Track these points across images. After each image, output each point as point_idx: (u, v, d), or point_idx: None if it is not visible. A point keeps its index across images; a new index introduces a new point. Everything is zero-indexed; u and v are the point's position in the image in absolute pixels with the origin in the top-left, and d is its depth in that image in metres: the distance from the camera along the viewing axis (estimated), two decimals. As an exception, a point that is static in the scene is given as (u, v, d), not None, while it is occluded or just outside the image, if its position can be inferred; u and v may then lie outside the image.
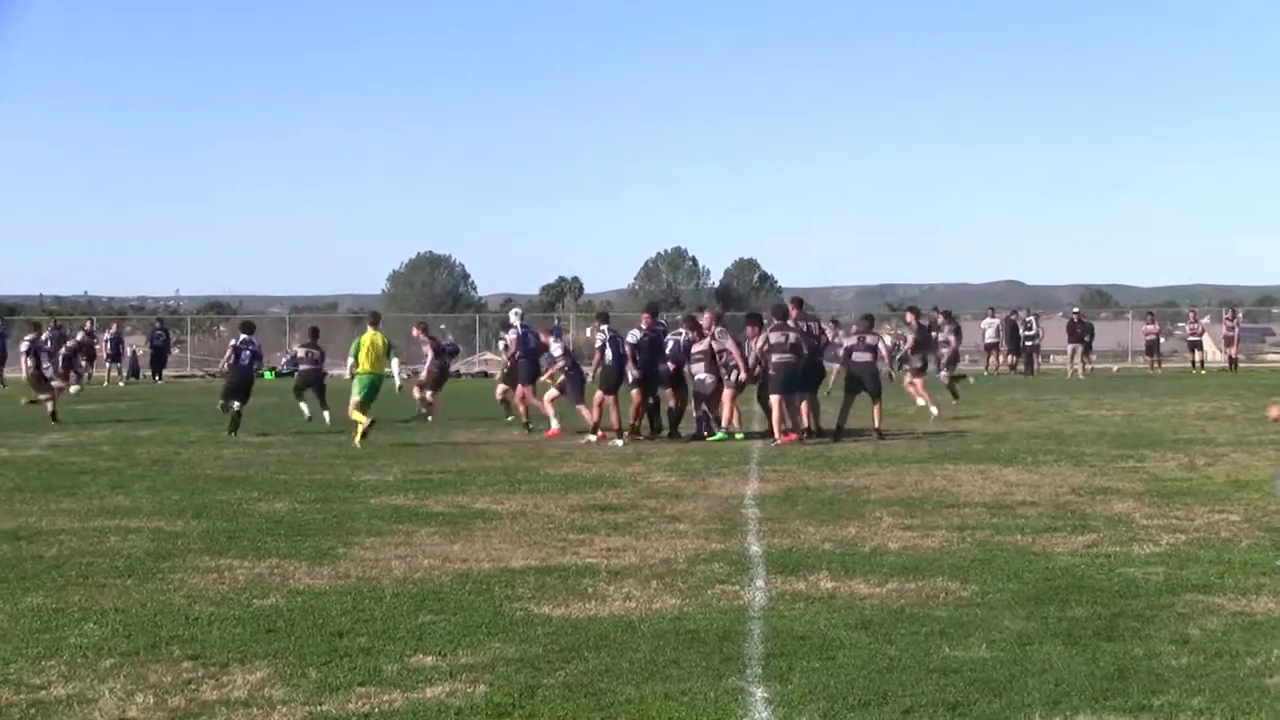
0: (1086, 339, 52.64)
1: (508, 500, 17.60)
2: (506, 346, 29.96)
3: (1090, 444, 23.87)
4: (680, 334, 26.47)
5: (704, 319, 27.54)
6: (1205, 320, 63.63)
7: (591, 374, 27.34)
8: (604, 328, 27.26)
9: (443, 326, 69.81)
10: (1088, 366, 51.88)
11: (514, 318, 30.90)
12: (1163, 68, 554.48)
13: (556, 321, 26.14)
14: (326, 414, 30.13)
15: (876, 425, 25.97)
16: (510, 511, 16.62)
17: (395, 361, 27.42)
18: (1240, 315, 66.04)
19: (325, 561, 13.35)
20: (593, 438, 25.15)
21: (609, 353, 26.03)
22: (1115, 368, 58.24)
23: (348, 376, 27.06)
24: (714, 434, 25.43)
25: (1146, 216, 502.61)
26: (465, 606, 11.27)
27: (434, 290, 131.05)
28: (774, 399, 25.07)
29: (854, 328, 28.02)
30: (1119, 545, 13.88)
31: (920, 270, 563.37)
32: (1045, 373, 52.30)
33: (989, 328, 54.20)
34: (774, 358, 25.05)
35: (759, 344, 25.55)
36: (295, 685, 8.96)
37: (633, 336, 26.04)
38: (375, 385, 26.22)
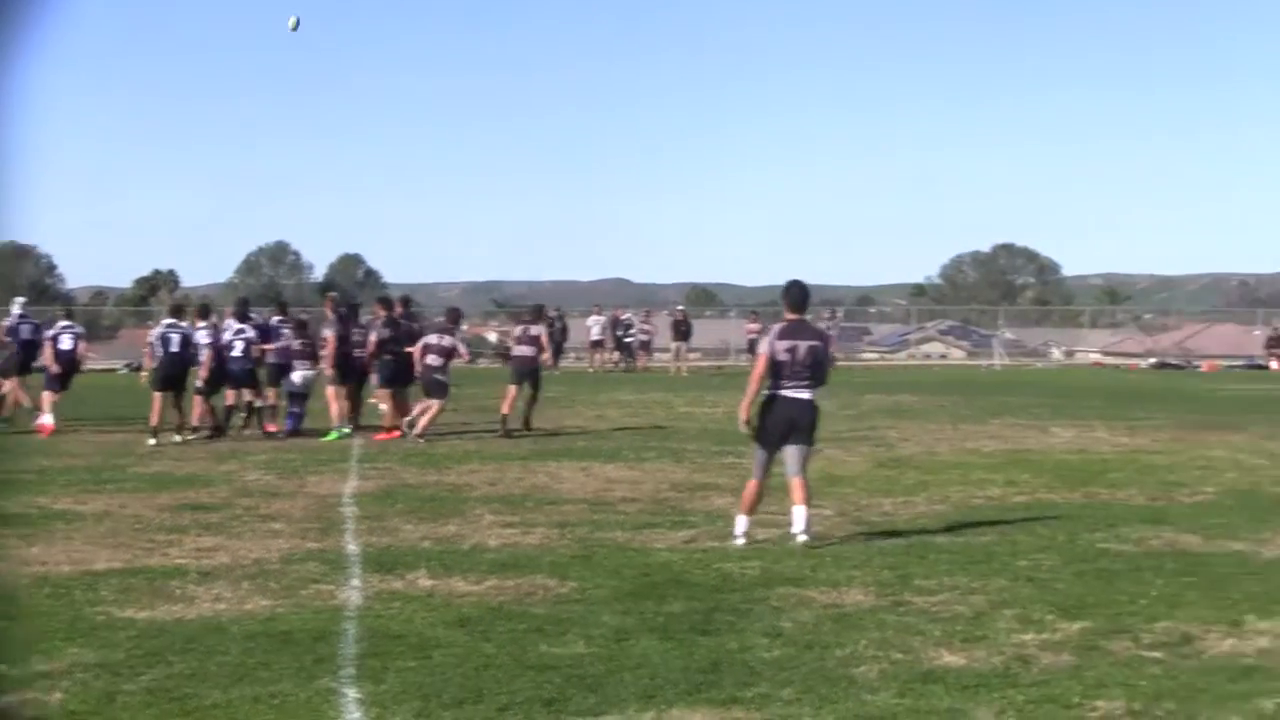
0: (689, 336, 53.73)
1: (92, 500, 16.88)
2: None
3: (692, 441, 24.19)
4: (245, 331, 25.66)
5: (326, 303, 27.42)
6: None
7: (146, 370, 26.43)
8: (165, 322, 25.82)
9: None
10: (687, 363, 52.89)
11: (15, 306, 29.50)
12: (751, 69, 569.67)
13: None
14: None
15: (525, 419, 25.96)
16: (95, 512, 15.95)
17: None
18: (840, 314, 68.03)
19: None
20: (175, 436, 24.12)
21: (159, 349, 24.94)
22: (718, 365, 59.39)
23: None
24: (329, 434, 24.83)
25: (751, 216, 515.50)
26: (42, 611, 10.72)
27: (17, 282, 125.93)
28: (383, 393, 24.97)
29: (522, 319, 27.79)
30: (717, 540, 14.03)
31: (528, 267, 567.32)
32: (649, 370, 52.96)
33: (595, 325, 54.62)
34: (386, 356, 24.83)
35: (372, 339, 25.24)
36: None
37: (206, 335, 25.27)
38: None
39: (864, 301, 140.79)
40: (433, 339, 25.02)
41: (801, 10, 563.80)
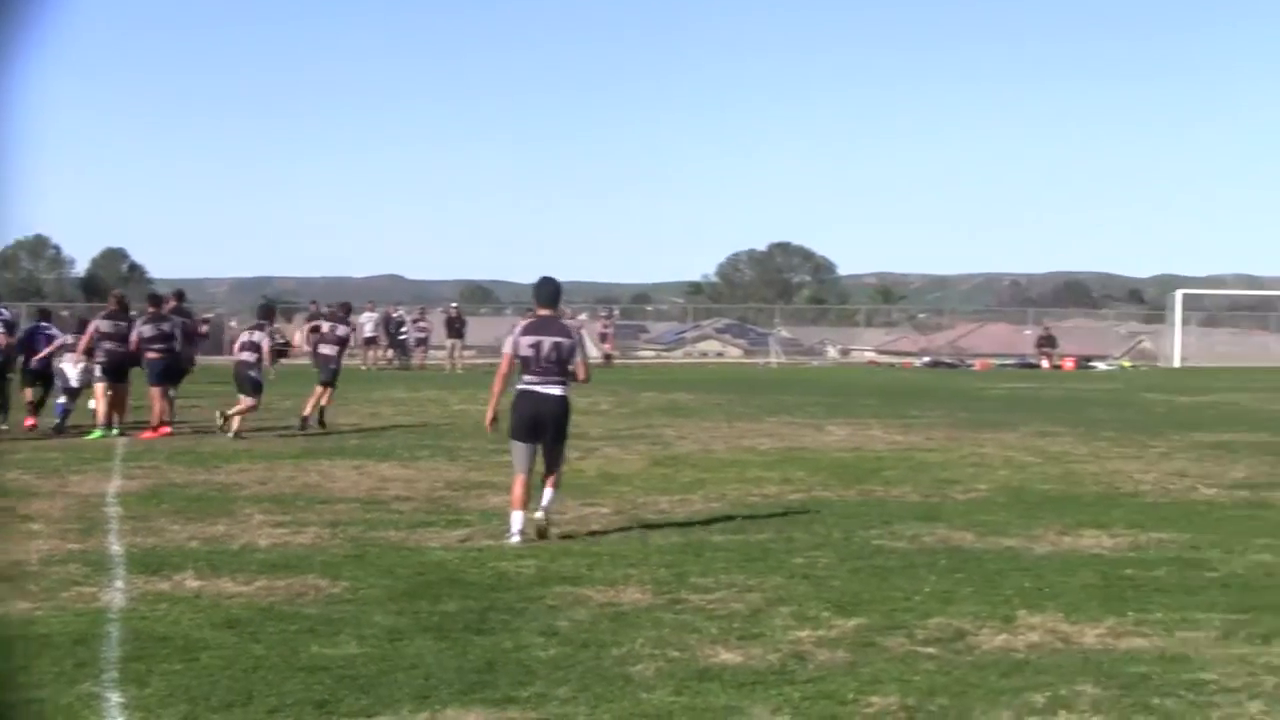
0: (464, 333, 53.76)
1: None
2: None
3: (467, 439, 24.01)
4: None
5: (111, 299, 27.03)
6: (583, 317, 65.33)
7: None
8: None
9: None
10: (463, 361, 52.78)
11: None
12: (520, 65, 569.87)
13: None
14: None
15: (305, 413, 25.92)
16: None
17: None
18: (616, 312, 68.24)
19: None
20: None
21: None
22: (494, 362, 59.15)
23: None
24: (93, 432, 24.25)
25: (527, 213, 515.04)
26: None
27: None
28: (153, 391, 24.64)
29: (327, 316, 27.94)
30: (492, 539, 13.94)
31: (300, 263, 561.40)
32: (425, 367, 52.72)
33: (368, 322, 54.11)
34: (148, 353, 24.53)
35: (133, 337, 24.79)
36: None
37: None
38: None
39: (640, 299, 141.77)
40: (245, 335, 25.31)
41: (574, 9, 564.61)
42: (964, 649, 9.60)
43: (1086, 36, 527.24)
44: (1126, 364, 66.84)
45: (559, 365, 14.07)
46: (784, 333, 79.64)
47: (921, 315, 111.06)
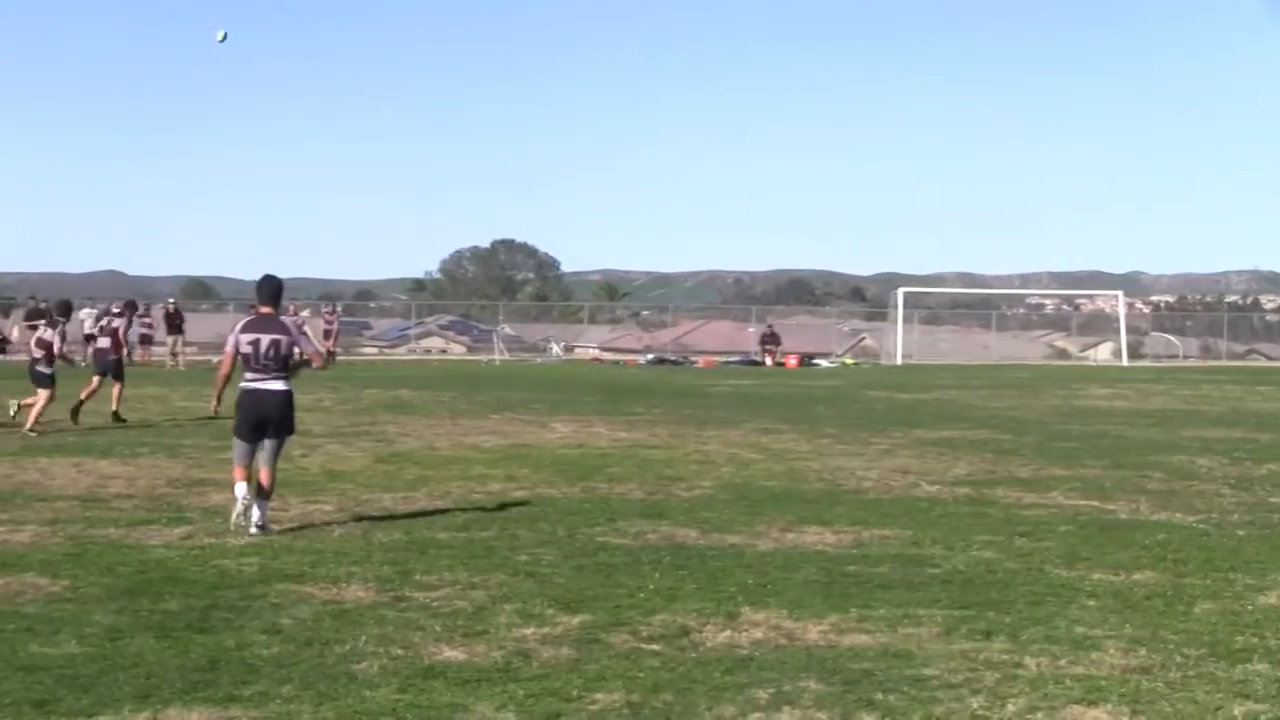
0: (184, 329, 53.06)
1: None
2: None
3: (188, 436, 23.72)
4: None
5: None
6: (305, 313, 64.53)
7: None
8: None
9: None
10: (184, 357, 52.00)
11: None
12: (251, 60, 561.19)
13: None
14: None
15: (80, 399, 26.56)
16: None
17: None
18: (339, 309, 67.62)
19: None
20: None
21: None
22: (217, 358, 58.26)
23: None
24: None
25: (246, 208, 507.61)
26: None
27: None
28: None
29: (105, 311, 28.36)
30: (214, 537, 13.82)
31: (16, 258, 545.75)
32: (149, 364, 51.67)
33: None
34: None
35: None
36: None
37: None
38: None
39: (364, 295, 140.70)
40: (38, 334, 25.75)
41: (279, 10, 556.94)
42: (688, 645, 9.72)
43: (794, 39, 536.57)
44: (849, 361, 68.34)
45: (278, 362, 14.37)
46: (508, 330, 79.78)
47: (645, 312, 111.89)
